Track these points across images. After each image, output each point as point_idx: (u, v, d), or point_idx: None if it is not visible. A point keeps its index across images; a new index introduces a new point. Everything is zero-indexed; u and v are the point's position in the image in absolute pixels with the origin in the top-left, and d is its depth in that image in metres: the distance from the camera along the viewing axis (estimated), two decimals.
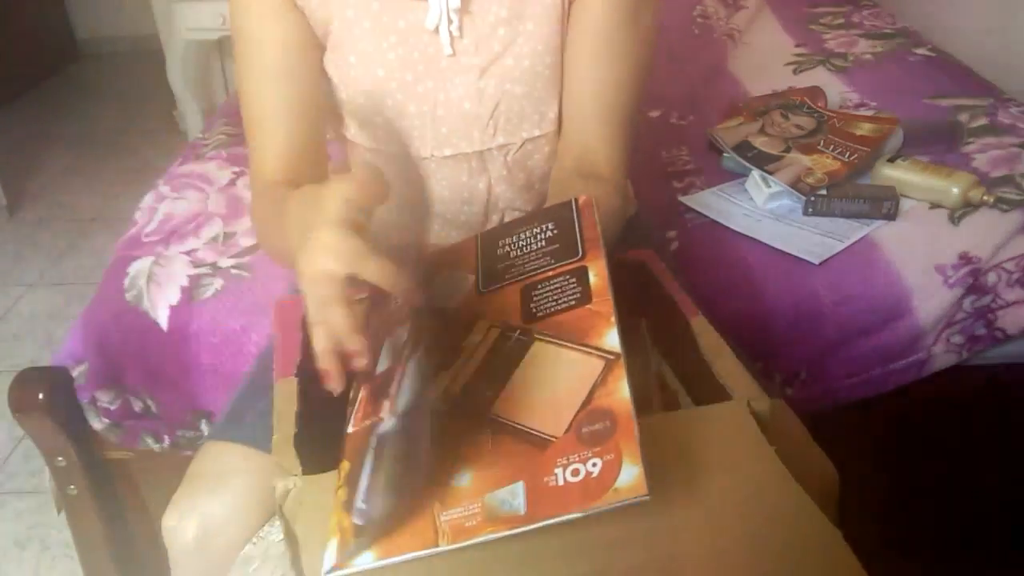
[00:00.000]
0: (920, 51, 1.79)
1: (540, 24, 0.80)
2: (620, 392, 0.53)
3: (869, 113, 1.50)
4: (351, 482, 0.53)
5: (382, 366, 0.59)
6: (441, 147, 0.85)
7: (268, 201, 0.80)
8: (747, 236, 1.20)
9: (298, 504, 0.54)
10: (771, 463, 0.57)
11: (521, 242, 0.67)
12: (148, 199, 1.36)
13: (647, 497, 0.48)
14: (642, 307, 0.81)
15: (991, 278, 1.12)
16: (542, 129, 0.85)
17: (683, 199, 1.30)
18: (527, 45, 0.80)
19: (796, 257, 1.16)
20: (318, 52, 0.83)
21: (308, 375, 0.63)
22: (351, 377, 0.58)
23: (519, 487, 0.51)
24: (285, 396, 0.61)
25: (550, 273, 0.63)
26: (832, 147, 1.33)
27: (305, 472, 0.55)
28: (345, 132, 0.89)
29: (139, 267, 1.18)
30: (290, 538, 0.56)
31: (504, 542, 0.51)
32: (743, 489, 0.56)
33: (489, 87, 0.81)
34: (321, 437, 0.61)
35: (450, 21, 0.78)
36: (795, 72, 1.75)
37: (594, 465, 0.50)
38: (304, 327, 0.68)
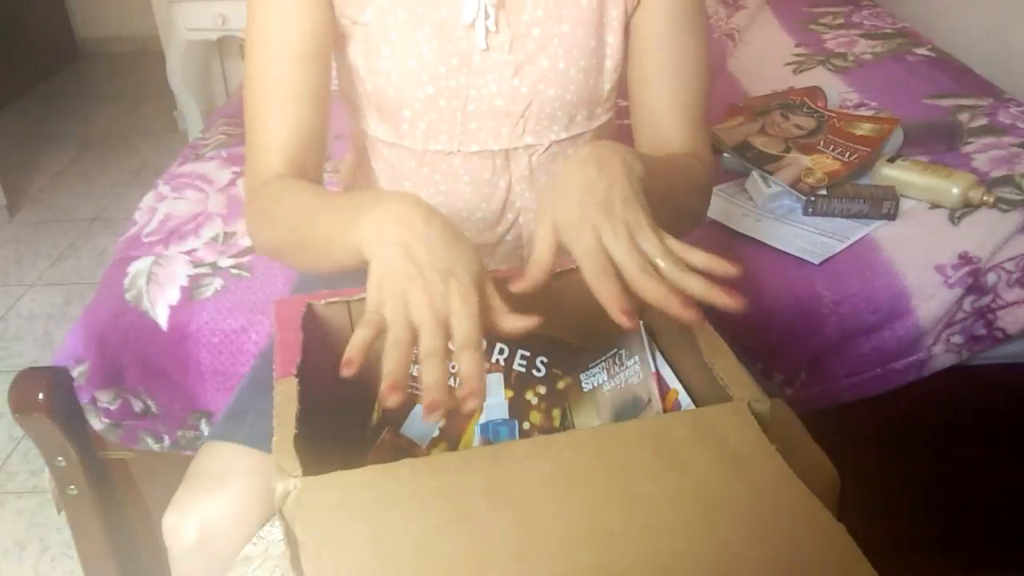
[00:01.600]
0: (920, 51, 1.79)
1: (575, 28, 0.81)
2: None
3: (869, 113, 1.50)
4: None
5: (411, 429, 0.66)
6: (468, 143, 0.85)
7: (275, 191, 0.77)
8: (747, 236, 1.20)
9: (298, 505, 0.54)
10: (773, 462, 0.57)
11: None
12: (148, 199, 1.36)
13: None
14: (641, 307, 0.81)
15: (991, 278, 1.12)
16: (569, 132, 0.86)
17: None
18: (562, 47, 0.81)
19: (796, 257, 1.16)
20: (331, 40, 0.82)
21: (308, 375, 0.63)
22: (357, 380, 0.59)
23: None
24: (285, 397, 0.61)
25: None
26: (832, 147, 1.33)
27: (305, 473, 0.55)
28: (365, 127, 0.88)
29: (139, 267, 1.18)
30: (290, 539, 0.56)
31: (504, 535, 0.51)
32: (746, 487, 0.56)
33: (523, 86, 0.82)
34: (321, 438, 0.61)
35: (487, 16, 0.78)
36: (795, 72, 1.75)
37: None
38: (304, 328, 0.68)
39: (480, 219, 0.90)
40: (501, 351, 0.74)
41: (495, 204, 0.89)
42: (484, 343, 0.74)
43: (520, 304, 0.77)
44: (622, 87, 0.92)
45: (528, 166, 0.86)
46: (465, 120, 0.83)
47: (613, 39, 0.83)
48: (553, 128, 0.85)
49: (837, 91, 1.60)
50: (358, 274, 0.66)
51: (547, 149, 0.86)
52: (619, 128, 0.94)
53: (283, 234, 0.75)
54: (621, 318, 0.57)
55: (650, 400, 0.73)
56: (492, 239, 0.91)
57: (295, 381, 0.63)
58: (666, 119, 0.85)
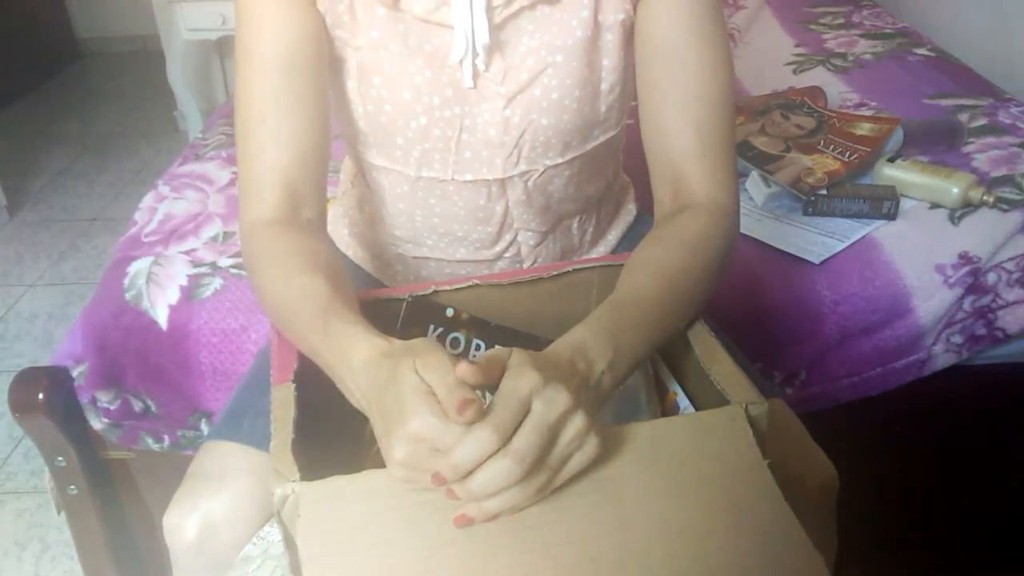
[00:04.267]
0: (920, 51, 1.79)
1: (569, 58, 0.77)
2: None
3: (869, 113, 1.50)
4: None
5: None
6: (463, 172, 0.82)
7: (269, 263, 0.72)
8: (747, 236, 1.20)
9: (296, 510, 0.54)
10: (763, 480, 0.57)
11: None
12: (148, 199, 1.36)
13: None
14: None
15: (991, 278, 1.12)
16: (564, 157, 0.83)
17: None
18: (555, 78, 0.77)
19: (796, 257, 1.16)
20: (324, 52, 0.78)
21: (305, 380, 0.63)
22: None
23: None
24: (282, 402, 0.61)
25: None
26: (832, 147, 1.33)
27: (303, 478, 0.55)
28: (357, 147, 0.86)
29: (139, 267, 1.18)
30: (289, 543, 0.56)
31: (503, 554, 0.51)
32: (734, 507, 0.56)
33: (515, 116, 0.79)
34: (319, 442, 0.61)
35: (475, 55, 0.75)
36: (795, 72, 1.75)
37: None
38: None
39: (476, 239, 0.89)
40: None
41: (492, 227, 0.88)
42: (483, 345, 0.74)
43: (519, 306, 0.77)
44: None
45: (524, 191, 0.85)
46: (459, 149, 0.81)
47: (609, 62, 0.79)
48: (548, 155, 0.82)
49: (837, 91, 1.60)
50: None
51: (543, 173, 0.84)
52: (627, 128, 0.91)
53: (277, 316, 0.72)
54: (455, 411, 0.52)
55: (648, 401, 0.73)
56: (490, 256, 0.91)
57: (292, 387, 0.63)
58: (677, 137, 0.77)
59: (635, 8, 0.77)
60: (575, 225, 0.94)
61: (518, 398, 0.53)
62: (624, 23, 0.78)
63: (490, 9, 0.74)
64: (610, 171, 0.94)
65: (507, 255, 0.91)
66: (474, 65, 0.76)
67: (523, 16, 0.76)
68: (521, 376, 0.54)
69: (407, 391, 0.54)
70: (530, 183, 0.84)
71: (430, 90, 0.78)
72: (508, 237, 0.89)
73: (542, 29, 0.77)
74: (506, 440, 0.52)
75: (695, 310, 0.72)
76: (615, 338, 0.62)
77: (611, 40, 0.78)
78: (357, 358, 0.59)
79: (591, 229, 0.96)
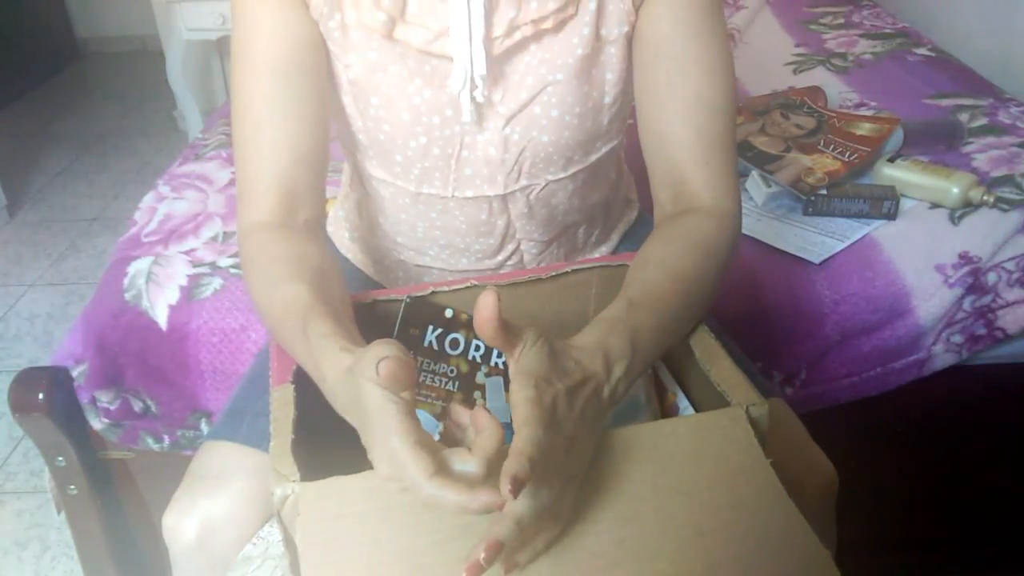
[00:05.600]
0: (920, 51, 1.79)
1: (570, 76, 0.76)
2: None
3: (869, 113, 1.50)
4: None
5: None
6: (463, 189, 0.82)
7: (261, 270, 0.71)
8: (747, 236, 1.20)
9: (296, 510, 0.54)
10: (766, 478, 0.57)
11: None
12: (148, 199, 1.36)
13: None
14: None
15: (991, 278, 1.12)
16: (567, 171, 0.82)
17: None
18: (556, 95, 0.76)
19: (796, 257, 1.16)
20: (322, 56, 0.78)
21: (304, 380, 0.63)
22: None
23: None
24: (282, 402, 0.61)
25: None
26: (832, 147, 1.33)
27: (303, 478, 0.55)
28: (357, 159, 0.86)
29: (138, 267, 1.18)
30: (289, 543, 0.56)
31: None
32: (737, 505, 0.55)
33: (515, 135, 0.78)
34: (319, 442, 0.61)
35: (474, 87, 0.74)
36: (795, 72, 1.75)
37: None
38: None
39: (479, 250, 0.89)
40: (500, 354, 0.74)
41: (494, 239, 0.87)
42: (482, 345, 0.74)
43: (517, 306, 0.77)
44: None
45: (527, 204, 0.84)
46: (459, 167, 0.80)
47: (612, 76, 0.78)
48: (550, 170, 0.81)
49: (837, 91, 1.60)
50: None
51: (544, 187, 0.83)
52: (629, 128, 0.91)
53: (266, 325, 0.71)
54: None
55: (648, 403, 0.73)
56: (493, 265, 0.91)
57: (292, 387, 0.63)
58: (678, 141, 0.75)
59: (637, 16, 0.76)
60: (581, 232, 0.93)
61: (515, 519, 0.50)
62: (628, 35, 0.76)
63: (489, 41, 0.73)
64: (613, 174, 0.94)
65: (510, 263, 0.91)
66: (472, 97, 0.75)
67: (525, 42, 0.75)
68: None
69: (370, 411, 0.52)
70: (532, 196, 0.84)
71: (429, 110, 0.77)
72: (510, 247, 0.89)
73: (543, 49, 0.75)
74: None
75: (703, 314, 0.71)
76: (634, 342, 0.60)
77: (614, 53, 0.77)
78: (329, 374, 0.58)
79: (597, 232, 0.96)
